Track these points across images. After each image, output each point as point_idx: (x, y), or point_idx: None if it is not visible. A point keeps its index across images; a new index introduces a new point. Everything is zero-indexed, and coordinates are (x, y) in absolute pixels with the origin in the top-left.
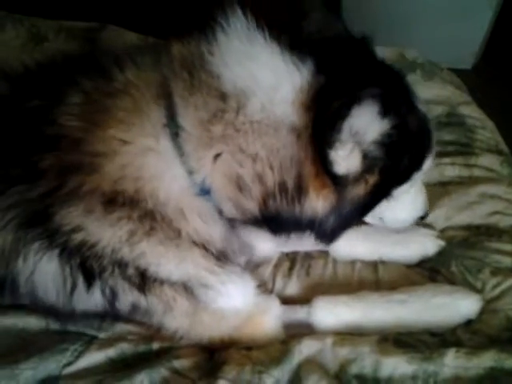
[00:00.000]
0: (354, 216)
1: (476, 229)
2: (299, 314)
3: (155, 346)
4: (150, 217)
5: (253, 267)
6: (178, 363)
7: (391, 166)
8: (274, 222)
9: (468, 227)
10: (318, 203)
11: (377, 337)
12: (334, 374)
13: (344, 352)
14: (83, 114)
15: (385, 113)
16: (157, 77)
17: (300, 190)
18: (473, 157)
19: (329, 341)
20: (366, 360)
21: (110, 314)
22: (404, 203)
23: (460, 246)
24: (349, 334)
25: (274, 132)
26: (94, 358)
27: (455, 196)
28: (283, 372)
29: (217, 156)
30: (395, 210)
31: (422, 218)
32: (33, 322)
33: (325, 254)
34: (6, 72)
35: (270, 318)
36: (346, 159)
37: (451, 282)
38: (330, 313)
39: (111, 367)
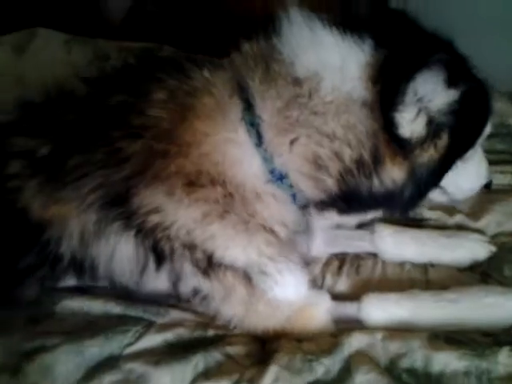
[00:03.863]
0: (429, 182)
1: None
2: (349, 309)
3: (210, 332)
4: (227, 198)
5: (304, 264)
6: (232, 349)
7: (458, 131)
8: (352, 197)
9: None
10: (393, 171)
11: (427, 333)
12: (384, 367)
13: (394, 346)
14: (169, 109)
15: (451, 81)
16: (231, 74)
17: (376, 161)
18: None
19: (379, 335)
20: (416, 355)
21: (173, 296)
22: (468, 172)
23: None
24: (398, 331)
25: (348, 109)
26: (153, 340)
27: (506, 203)
28: (334, 362)
29: (294, 140)
30: (460, 180)
31: (487, 186)
32: (96, 307)
33: (373, 256)
34: (84, 77)
35: (320, 312)
36: (410, 123)
37: (504, 285)
38: (380, 309)
39: (168, 349)
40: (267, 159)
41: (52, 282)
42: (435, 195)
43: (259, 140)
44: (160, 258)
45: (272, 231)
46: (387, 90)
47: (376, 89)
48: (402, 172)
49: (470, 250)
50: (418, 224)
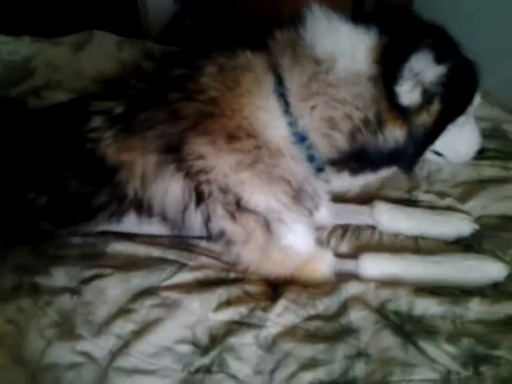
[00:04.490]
0: (425, 142)
1: (509, 219)
2: (348, 264)
3: (232, 275)
4: (256, 150)
5: (311, 221)
6: (249, 287)
7: (449, 98)
8: (360, 155)
9: (502, 217)
10: (395, 132)
11: (414, 286)
12: (374, 309)
13: (384, 293)
14: (218, 80)
15: (439, 59)
16: (267, 55)
17: (380, 122)
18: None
19: (372, 285)
20: (402, 300)
21: (205, 232)
22: (462, 138)
23: (492, 229)
24: (389, 283)
25: (356, 82)
26: (185, 277)
27: (492, 189)
28: (333, 301)
29: (314, 106)
30: (456, 145)
31: (480, 152)
32: (139, 250)
33: (372, 228)
34: (154, 54)
35: (324, 265)
36: (408, 93)
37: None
38: (375, 265)
39: (197, 284)
40: (292, 123)
41: (117, 218)
42: (435, 157)
43: (286, 107)
44: (199, 199)
45: (289, 183)
46: (389, 68)
47: (379, 67)
48: (402, 133)
49: (457, 226)
50: (414, 205)
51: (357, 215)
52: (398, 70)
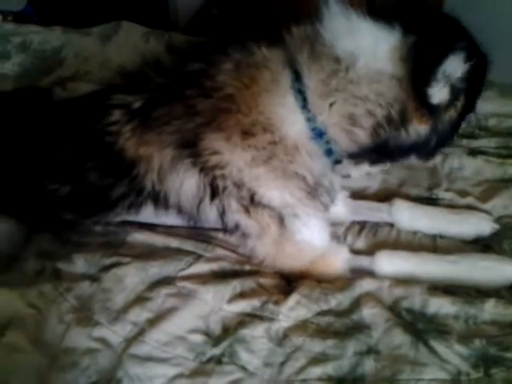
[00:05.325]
0: (451, 133)
1: None
2: (364, 261)
3: (247, 267)
4: (271, 146)
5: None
6: (263, 280)
7: (471, 90)
8: (382, 148)
9: None
10: (420, 128)
11: (428, 285)
12: (387, 306)
13: (398, 291)
14: (235, 77)
15: (468, 59)
16: (284, 51)
17: (404, 121)
18: None
19: (386, 282)
20: (416, 298)
21: (221, 225)
22: None
23: None
24: (404, 281)
25: (378, 80)
26: (201, 268)
27: None
28: (346, 297)
29: (333, 103)
30: None
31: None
32: (158, 240)
33: (390, 225)
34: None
35: (339, 260)
36: (438, 93)
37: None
38: (390, 263)
39: (213, 275)
40: (310, 119)
41: (136, 209)
42: None
43: (304, 103)
44: (214, 193)
45: (304, 179)
46: (420, 70)
47: (405, 66)
48: (427, 128)
49: (476, 225)
50: (433, 203)
51: (375, 212)
52: (431, 73)
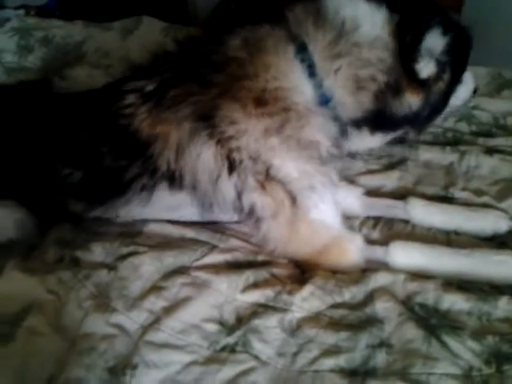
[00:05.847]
0: (442, 104)
1: None
2: (378, 251)
3: (260, 257)
4: (284, 112)
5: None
6: (276, 270)
7: (456, 62)
8: (381, 115)
9: None
10: (412, 99)
11: (442, 280)
12: (400, 301)
13: (412, 286)
14: (244, 50)
15: (445, 32)
16: (286, 27)
17: (400, 91)
18: None
19: (401, 276)
20: (429, 294)
21: (237, 207)
22: (462, 87)
23: None
24: (419, 276)
25: (377, 47)
26: (215, 258)
27: None
28: (360, 290)
29: (338, 69)
30: (458, 93)
31: (474, 91)
32: (174, 230)
33: (405, 221)
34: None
35: (354, 248)
36: (425, 67)
37: None
38: (404, 254)
39: (227, 266)
40: (317, 85)
41: (148, 192)
42: None
43: (311, 71)
44: (231, 167)
45: (318, 145)
46: (405, 48)
47: (393, 42)
48: (419, 99)
49: (492, 223)
50: (449, 202)
51: (390, 209)
52: (415, 51)
